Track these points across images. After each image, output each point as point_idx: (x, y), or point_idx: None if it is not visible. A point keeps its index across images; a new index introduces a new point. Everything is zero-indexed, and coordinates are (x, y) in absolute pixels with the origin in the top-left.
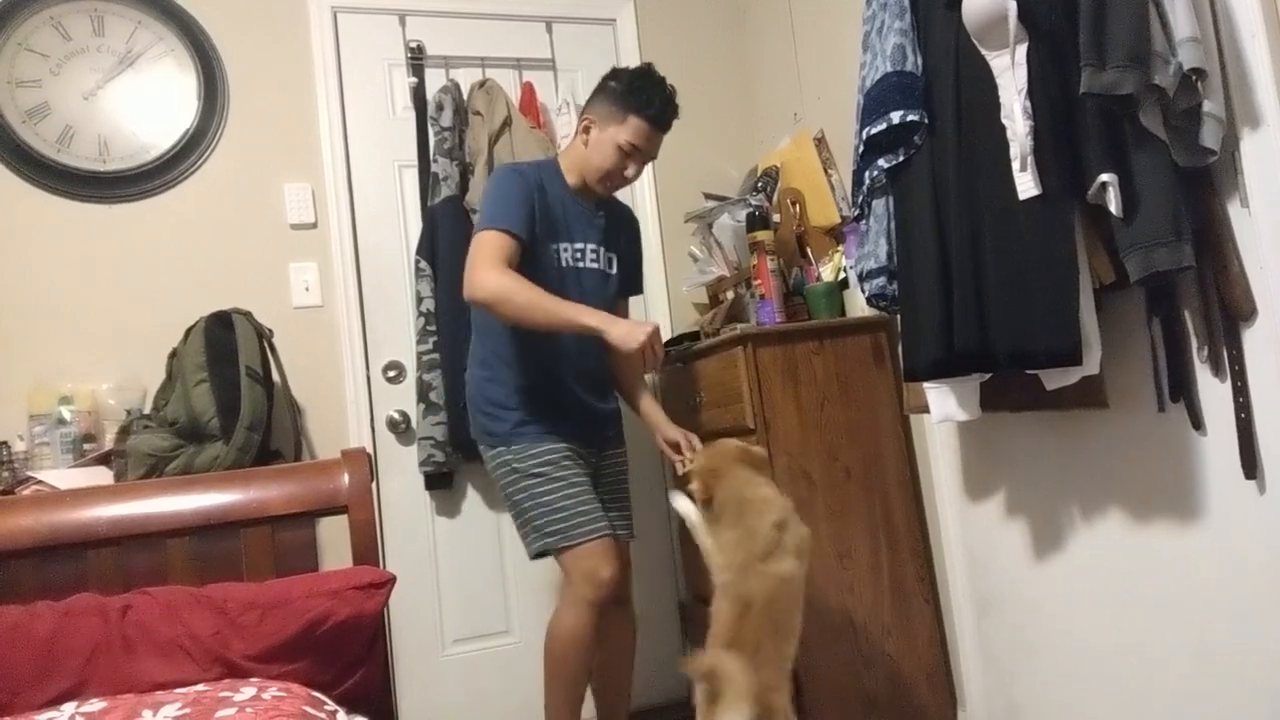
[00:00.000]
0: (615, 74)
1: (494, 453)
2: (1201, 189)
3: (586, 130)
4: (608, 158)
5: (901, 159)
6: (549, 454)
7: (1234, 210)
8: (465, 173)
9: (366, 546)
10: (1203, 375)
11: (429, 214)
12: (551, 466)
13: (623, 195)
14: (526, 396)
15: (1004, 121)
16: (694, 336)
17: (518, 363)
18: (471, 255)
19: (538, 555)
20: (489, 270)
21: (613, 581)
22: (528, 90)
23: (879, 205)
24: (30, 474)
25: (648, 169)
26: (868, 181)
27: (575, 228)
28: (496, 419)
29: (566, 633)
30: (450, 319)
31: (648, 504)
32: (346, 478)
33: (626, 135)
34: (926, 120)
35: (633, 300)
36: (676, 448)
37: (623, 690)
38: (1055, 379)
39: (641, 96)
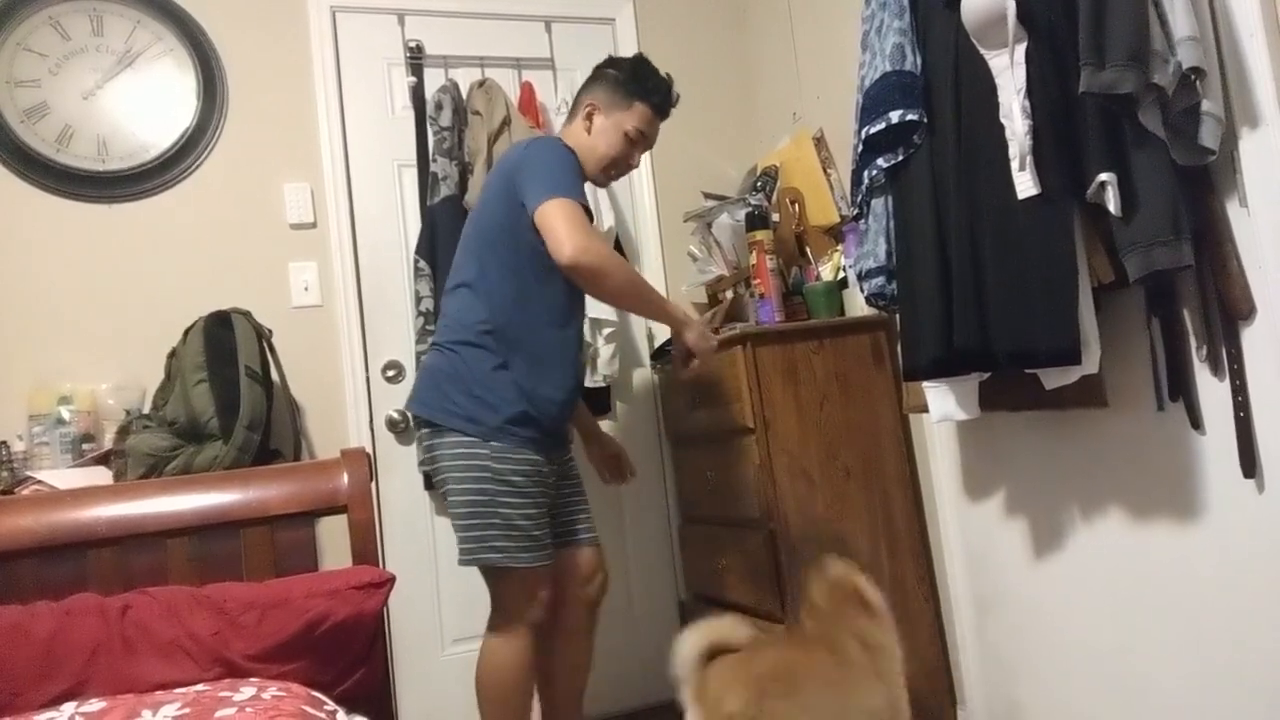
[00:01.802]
0: (613, 63)
1: (463, 439)
2: (1200, 188)
3: (589, 117)
4: (614, 145)
5: (901, 158)
6: (526, 464)
7: (1233, 209)
8: (464, 172)
9: (366, 546)
10: (1202, 374)
11: (428, 213)
12: (525, 479)
13: (623, 193)
14: (523, 393)
15: (1003, 121)
16: None
17: (530, 360)
18: (559, 219)
19: (464, 564)
20: (593, 237)
21: (546, 601)
22: (527, 90)
23: (878, 204)
24: (29, 474)
25: (647, 169)
26: (867, 181)
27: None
28: (486, 406)
29: (507, 665)
30: None
31: (646, 505)
32: (346, 477)
33: (633, 121)
34: (925, 119)
35: None
36: (616, 461)
37: (579, 697)
38: (1054, 378)
39: (647, 83)
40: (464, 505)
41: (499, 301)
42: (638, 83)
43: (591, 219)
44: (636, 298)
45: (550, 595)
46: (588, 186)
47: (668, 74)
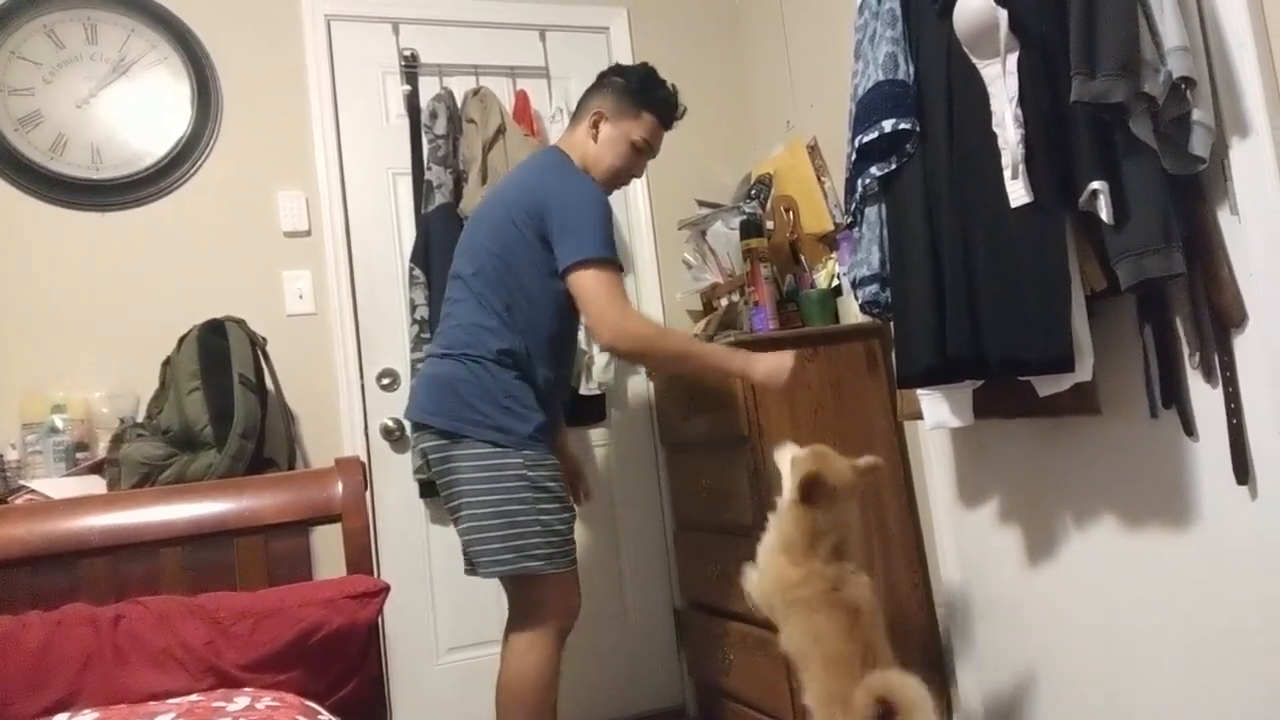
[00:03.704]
0: (620, 71)
1: (495, 451)
2: (1191, 196)
3: (596, 125)
4: (622, 155)
5: (894, 167)
6: (556, 469)
7: (1224, 217)
8: (459, 180)
9: (360, 555)
10: (1194, 381)
11: (423, 221)
12: (557, 484)
13: (618, 200)
14: (543, 403)
15: (995, 130)
16: None
17: (548, 368)
18: (601, 294)
19: (496, 575)
20: (630, 317)
21: (578, 611)
22: (521, 98)
23: (872, 213)
24: (23, 483)
25: (642, 176)
26: (860, 189)
27: None
28: (518, 416)
29: (538, 668)
30: None
31: (641, 512)
32: (340, 486)
33: (641, 132)
34: (918, 128)
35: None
36: (574, 480)
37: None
38: (1048, 386)
39: (656, 93)
40: (497, 516)
41: (519, 328)
42: (647, 93)
43: (621, 268)
44: (683, 365)
45: (580, 604)
46: None
47: (673, 85)
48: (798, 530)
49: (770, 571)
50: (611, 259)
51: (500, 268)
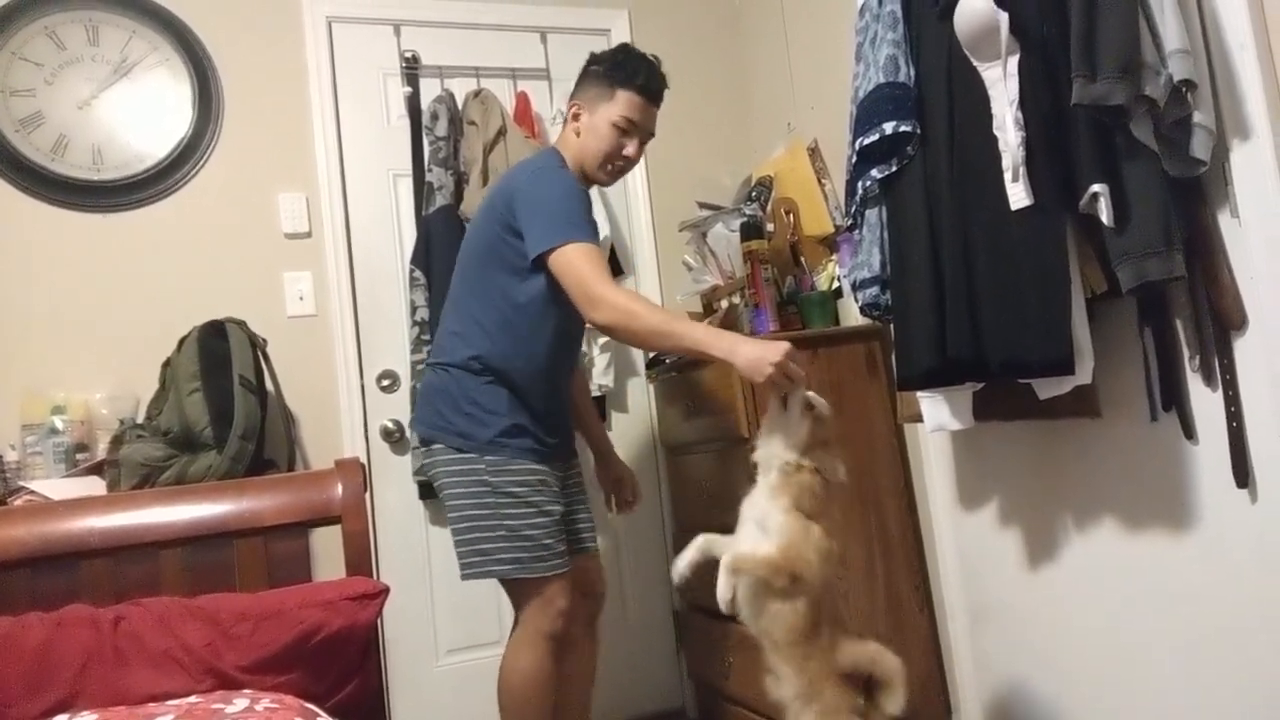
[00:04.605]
0: (595, 58)
1: (460, 457)
2: (1192, 199)
3: (576, 117)
4: (605, 139)
5: (894, 169)
6: (526, 474)
7: (1224, 220)
8: (460, 182)
9: (360, 557)
10: (1194, 384)
11: (423, 223)
12: (527, 489)
13: (618, 202)
14: (517, 405)
15: (996, 132)
16: None
17: (520, 370)
18: (579, 270)
19: (467, 579)
20: (612, 289)
21: (568, 613)
22: (522, 100)
23: (872, 215)
24: (22, 484)
25: (643, 178)
26: (861, 191)
27: None
28: (478, 422)
29: (526, 672)
30: None
31: (641, 514)
32: (340, 487)
33: (619, 110)
34: (919, 131)
35: None
36: (619, 485)
37: (584, 709)
38: (1048, 388)
39: (627, 68)
40: (466, 520)
41: (499, 331)
42: (618, 70)
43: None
44: (663, 340)
45: (570, 605)
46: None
47: (654, 56)
48: (819, 505)
49: (812, 542)
50: (584, 239)
51: (480, 271)
